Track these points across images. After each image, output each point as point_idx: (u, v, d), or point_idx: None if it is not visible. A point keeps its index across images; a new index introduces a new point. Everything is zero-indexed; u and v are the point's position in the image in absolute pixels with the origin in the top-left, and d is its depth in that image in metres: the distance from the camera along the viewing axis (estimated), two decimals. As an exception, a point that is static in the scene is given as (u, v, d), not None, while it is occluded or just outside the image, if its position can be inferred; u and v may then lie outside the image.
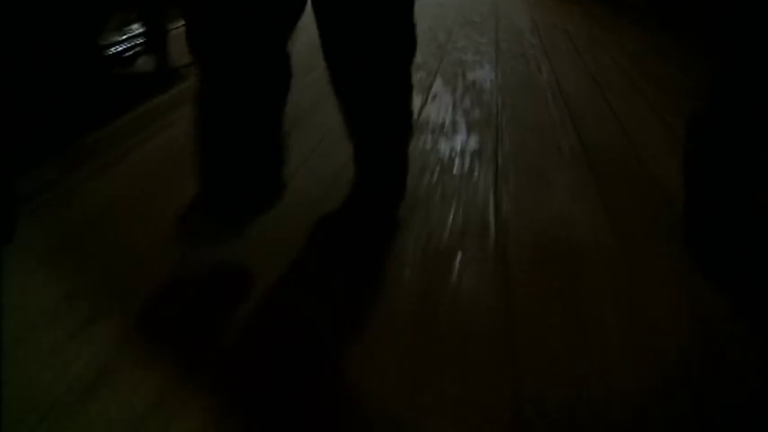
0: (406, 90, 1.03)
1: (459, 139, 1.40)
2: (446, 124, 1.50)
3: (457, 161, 1.28)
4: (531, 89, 1.84)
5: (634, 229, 1.03)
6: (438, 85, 1.82)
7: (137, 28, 1.75)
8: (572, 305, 0.83)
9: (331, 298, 0.84)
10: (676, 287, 0.88)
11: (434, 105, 1.64)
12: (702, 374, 0.72)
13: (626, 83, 1.92)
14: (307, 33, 0.93)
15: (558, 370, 0.72)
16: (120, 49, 1.69)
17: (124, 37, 1.72)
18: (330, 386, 0.68)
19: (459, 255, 0.94)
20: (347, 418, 0.64)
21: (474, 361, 0.73)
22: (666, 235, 1.01)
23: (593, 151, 1.34)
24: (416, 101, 1.67)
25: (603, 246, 0.97)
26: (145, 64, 1.75)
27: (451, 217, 1.05)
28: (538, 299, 0.84)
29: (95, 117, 1.43)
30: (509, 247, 0.96)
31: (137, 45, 1.72)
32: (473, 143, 1.38)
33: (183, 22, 0.91)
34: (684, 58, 2.22)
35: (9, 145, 0.82)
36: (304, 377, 0.69)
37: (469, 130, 1.46)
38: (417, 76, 1.91)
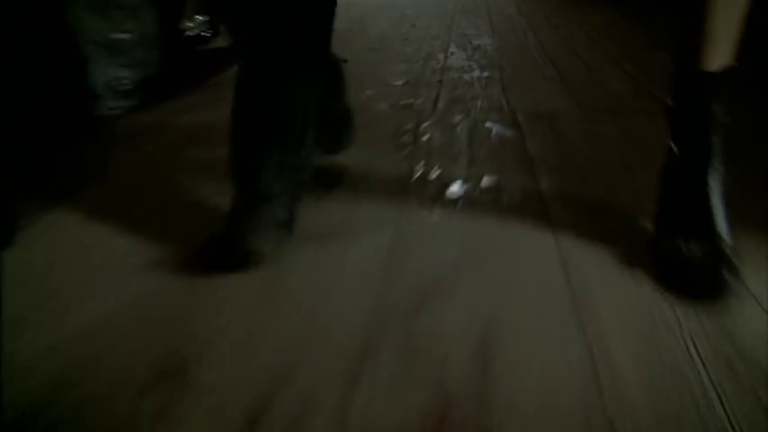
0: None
1: (476, 73, 2.05)
2: (464, 67, 2.15)
3: (476, 83, 1.93)
4: (521, 49, 2.50)
5: (590, 105, 1.68)
6: (453, 47, 2.48)
7: (201, 18, 2.39)
8: (556, 135, 1.47)
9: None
10: (617, 123, 1.53)
11: (453, 58, 2.29)
12: (633, 159, 1.35)
13: (591, 42, 2.58)
14: None
15: (553, 158, 1.36)
16: (195, 32, 2.34)
17: (193, 24, 2.37)
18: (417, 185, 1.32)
19: (489, 121, 1.59)
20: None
21: (506, 164, 1.36)
22: (608, 106, 1.66)
23: (566, 76, 2.00)
24: (440, 56, 2.33)
25: (571, 112, 1.62)
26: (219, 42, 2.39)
27: (479, 104, 1.70)
28: (536, 133, 1.48)
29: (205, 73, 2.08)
30: (517, 115, 1.61)
31: (207, 30, 2.37)
32: (485, 74, 2.04)
33: None
34: (636, 24, 2.90)
35: (8, 154, 0.86)
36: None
37: (481, 69, 2.11)
38: (437, 43, 2.58)
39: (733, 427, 0.64)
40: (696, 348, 0.75)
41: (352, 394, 0.67)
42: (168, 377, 0.70)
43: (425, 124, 1.54)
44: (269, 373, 0.71)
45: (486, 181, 1.21)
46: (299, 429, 0.62)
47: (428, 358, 0.73)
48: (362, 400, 0.66)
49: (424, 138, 1.44)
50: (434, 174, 1.25)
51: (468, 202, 1.12)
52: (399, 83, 1.92)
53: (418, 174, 1.24)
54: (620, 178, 1.21)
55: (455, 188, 1.17)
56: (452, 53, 2.38)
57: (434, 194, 1.15)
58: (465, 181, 1.21)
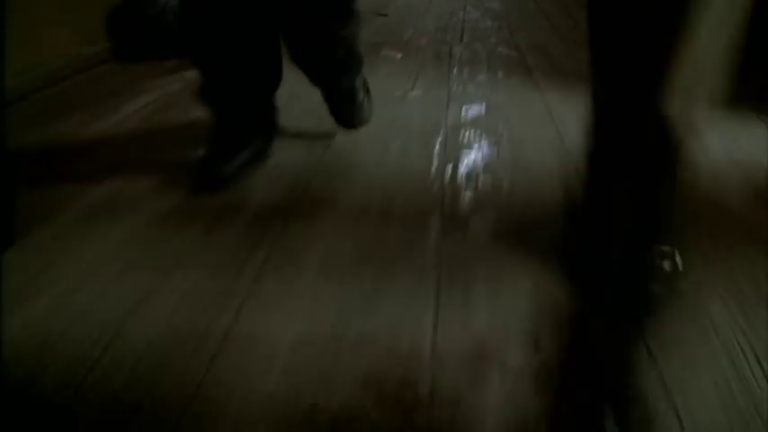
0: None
1: (488, 23, 2.71)
2: (479, 20, 2.81)
3: (489, 29, 2.59)
4: (524, 10, 3.15)
5: (571, 41, 2.33)
6: (469, 8, 3.13)
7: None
8: (545, 55, 2.12)
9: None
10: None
11: (471, 15, 2.94)
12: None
13: (583, 8, 3.23)
14: None
15: (542, 65, 2.01)
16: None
17: None
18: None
19: (499, 48, 2.24)
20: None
21: (512, 68, 2.01)
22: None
23: (557, 26, 2.66)
24: (460, 13, 2.98)
25: (557, 44, 2.28)
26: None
27: (492, 40, 2.35)
28: (532, 54, 2.13)
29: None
30: (521, 47, 2.26)
31: None
32: (496, 24, 2.69)
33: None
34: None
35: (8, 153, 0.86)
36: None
37: (492, 21, 2.77)
38: (456, 5, 3.23)
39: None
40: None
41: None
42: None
43: (455, 48, 2.20)
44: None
45: (499, 74, 1.87)
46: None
47: (472, 135, 1.39)
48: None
49: (456, 55, 2.10)
50: (466, 71, 1.91)
51: (489, 83, 1.78)
52: (432, 28, 2.57)
53: (455, 71, 1.90)
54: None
55: (480, 77, 1.84)
56: (469, 12, 3.03)
57: (467, 80, 1.81)
58: (488, 71, 1.87)
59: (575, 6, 3.19)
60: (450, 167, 1.22)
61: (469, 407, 0.65)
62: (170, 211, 1.06)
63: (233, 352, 0.74)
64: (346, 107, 1.34)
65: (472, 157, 1.27)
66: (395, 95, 1.67)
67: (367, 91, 1.38)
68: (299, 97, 1.41)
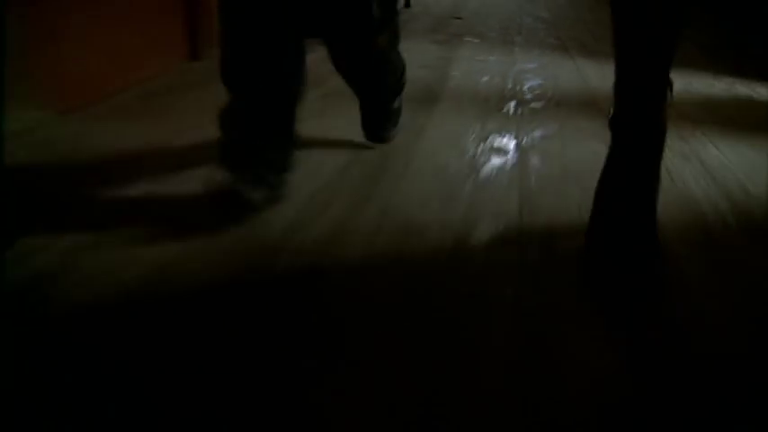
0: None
1: (539, 25, 3.65)
2: (532, 23, 3.76)
3: (540, 29, 3.53)
4: (566, 19, 4.09)
5: (601, 38, 3.26)
6: (524, 16, 4.09)
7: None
8: (580, 44, 3.05)
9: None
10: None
11: (525, 20, 3.90)
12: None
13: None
14: None
15: (576, 47, 2.94)
16: None
17: None
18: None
19: (547, 39, 3.18)
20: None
21: (556, 50, 2.94)
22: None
23: (591, 28, 3.59)
24: (518, 19, 3.93)
25: (590, 38, 3.21)
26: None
27: (542, 34, 3.30)
28: (571, 43, 3.06)
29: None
30: (562, 38, 3.20)
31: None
32: (544, 26, 3.63)
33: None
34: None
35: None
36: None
37: (542, 24, 3.71)
38: (513, 14, 4.20)
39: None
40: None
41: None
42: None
43: (516, 38, 3.16)
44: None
45: (547, 51, 2.82)
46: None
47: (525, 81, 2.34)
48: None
49: (517, 42, 3.06)
50: (524, 49, 2.86)
51: (540, 54, 2.73)
52: (497, 27, 3.54)
53: (517, 49, 2.86)
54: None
55: (534, 52, 2.79)
56: (524, 18, 3.99)
57: (525, 53, 2.76)
58: (539, 49, 2.82)
59: (606, 12, 4.12)
60: (518, 86, 2.17)
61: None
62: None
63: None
64: (381, 121, 1.46)
65: (530, 84, 2.22)
66: (479, 59, 2.63)
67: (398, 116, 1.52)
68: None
